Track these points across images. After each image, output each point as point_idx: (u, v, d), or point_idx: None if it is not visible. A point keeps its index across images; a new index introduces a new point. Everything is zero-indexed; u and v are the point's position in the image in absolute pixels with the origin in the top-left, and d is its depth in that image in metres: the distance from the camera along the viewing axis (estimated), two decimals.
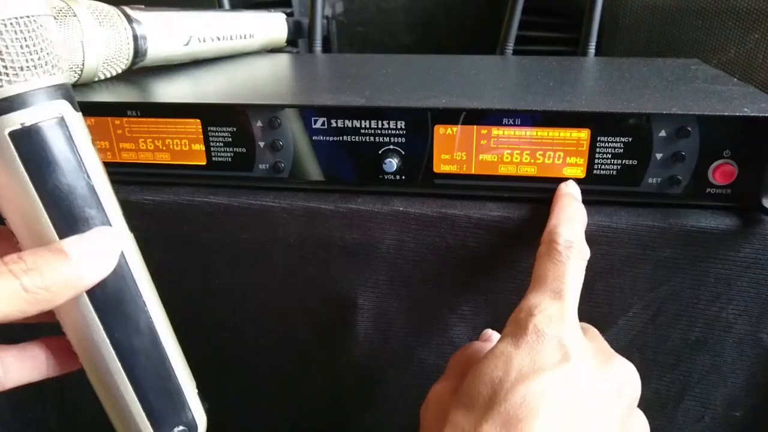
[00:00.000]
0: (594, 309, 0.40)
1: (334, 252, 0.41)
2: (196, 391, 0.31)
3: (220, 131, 0.40)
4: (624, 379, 0.30)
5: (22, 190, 0.24)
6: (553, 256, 0.32)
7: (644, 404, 0.31)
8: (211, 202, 0.41)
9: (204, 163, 0.41)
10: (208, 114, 0.40)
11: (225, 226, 0.41)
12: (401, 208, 0.39)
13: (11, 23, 0.23)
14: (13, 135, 0.23)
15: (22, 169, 0.24)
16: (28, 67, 0.23)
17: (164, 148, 0.41)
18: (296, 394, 0.48)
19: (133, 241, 0.28)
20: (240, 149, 0.40)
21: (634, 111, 0.36)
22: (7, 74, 0.23)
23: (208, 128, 0.40)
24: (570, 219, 0.34)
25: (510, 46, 0.70)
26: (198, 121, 0.40)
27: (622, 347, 0.41)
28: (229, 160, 0.41)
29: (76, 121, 0.25)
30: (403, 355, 0.44)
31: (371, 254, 0.41)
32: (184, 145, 0.41)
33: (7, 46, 0.23)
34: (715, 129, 0.35)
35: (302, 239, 0.41)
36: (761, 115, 0.35)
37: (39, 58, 0.24)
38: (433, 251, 0.40)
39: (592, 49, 0.67)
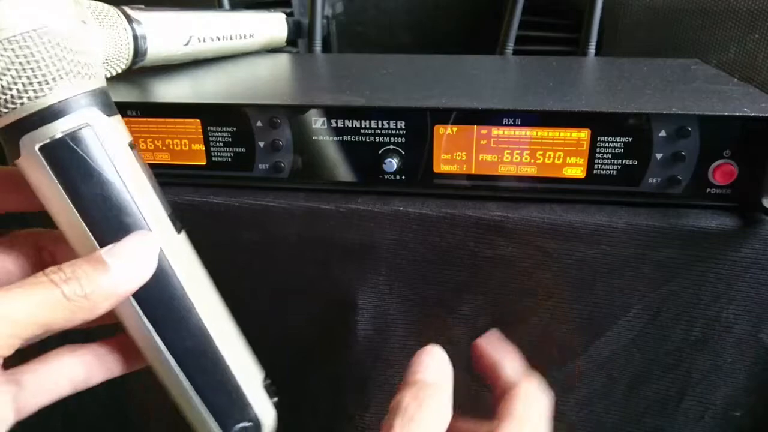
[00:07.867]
0: (594, 309, 0.40)
1: (334, 252, 0.41)
2: (264, 383, 0.31)
3: (220, 131, 0.40)
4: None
5: (60, 202, 0.25)
6: None
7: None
8: (211, 202, 0.41)
9: (204, 163, 0.41)
10: (208, 114, 0.40)
11: (225, 226, 0.41)
12: (401, 208, 0.39)
13: (23, 38, 0.22)
14: (43, 149, 0.24)
15: (56, 181, 0.24)
16: (53, 78, 0.23)
17: (164, 148, 0.41)
18: (296, 394, 0.48)
19: (184, 239, 0.28)
20: (240, 149, 0.40)
21: (634, 111, 0.36)
22: (34, 90, 0.23)
23: (208, 128, 0.40)
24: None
25: (510, 46, 0.70)
26: (198, 121, 0.40)
27: (622, 347, 0.41)
28: (229, 160, 0.41)
29: (107, 126, 0.25)
30: (403, 355, 0.44)
31: (371, 254, 0.41)
32: (184, 145, 0.41)
33: (23, 66, 0.22)
34: (715, 129, 0.35)
35: (302, 239, 0.41)
36: (761, 115, 0.35)
37: (58, 70, 0.23)
38: (433, 251, 0.40)
39: (592, 49, 0.66)
